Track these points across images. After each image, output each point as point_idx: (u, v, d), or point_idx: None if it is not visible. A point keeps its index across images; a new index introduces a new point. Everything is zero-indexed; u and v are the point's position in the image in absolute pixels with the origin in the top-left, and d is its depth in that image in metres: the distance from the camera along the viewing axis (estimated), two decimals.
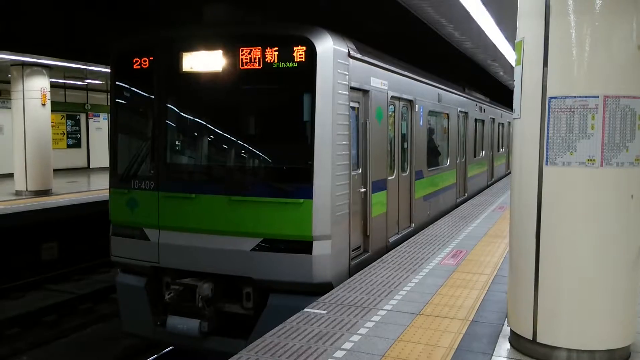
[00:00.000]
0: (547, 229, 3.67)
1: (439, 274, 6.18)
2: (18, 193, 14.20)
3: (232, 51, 6.08)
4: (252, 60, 5.97)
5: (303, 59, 5.79)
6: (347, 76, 6.17)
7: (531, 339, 3.79)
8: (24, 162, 14.12)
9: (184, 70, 6.35)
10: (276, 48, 5.86)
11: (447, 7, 8.43)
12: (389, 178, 7.91)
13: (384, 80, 7.53)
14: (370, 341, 4.20)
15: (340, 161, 6.04)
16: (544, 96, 3.61)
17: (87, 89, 23.11)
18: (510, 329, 4.09)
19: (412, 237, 8.32)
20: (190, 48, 6.29)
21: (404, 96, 8.54)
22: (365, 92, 6.95)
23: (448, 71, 13.91)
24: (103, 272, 12.36)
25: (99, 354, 8.26)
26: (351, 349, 4.04)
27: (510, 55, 13.08)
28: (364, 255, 6.92)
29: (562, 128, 3.57)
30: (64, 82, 21.03)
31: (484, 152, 16.40)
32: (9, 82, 15.21)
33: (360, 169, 6.90)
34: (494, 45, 11.82)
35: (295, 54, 5.81)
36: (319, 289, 5.66)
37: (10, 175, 15.31)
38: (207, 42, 6.23)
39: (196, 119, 6.78)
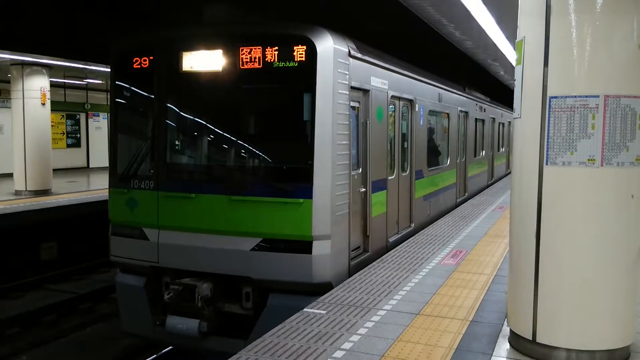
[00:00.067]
0: (547, 228, 3.66)
1: (439, 274, 6.17)
2: (17, 193, 14.20)
3: (232, 51, 6.07)
4: (252, 60, 5.96)
5: (303, 59, 5.78)
6: (347, 76, 6.16)
7: (531, 339, 3.79)
8: (23, 161, 14.12)
9: (184, 69, 6.34)
10: (276, 47, 5.85)
11: (447, 6, 8.43)
12: (389, 178, 7.90)
13: (384, 80, 7.52)
14: (370, 341, 4.19)
15: (340, 161, 6.03)
16: (545, 96, 3.61)
17: (87, 88, 23.12)
18: (510, 329, 4.08)
19: (412, 237, 8.32)
20: (190, 48, 6.29)
21: (404, 96, 8.53)
22: (366, 91, 6.94)
23: (448, 71, 13.91)
24: (102, 272, 12.36)
25: (98, 353, 8.26)
26: (351, 349, 4.03)
27: (510, 54, 13.08)
28: (364, 255, 6.91)
29: (563, 128, 3.57)
30: (64, 82, 21.04)
31: (484, 151, 16.40)
32: (8, 82, 15.21)
33: (360, 169, 6.89)
34: (494, 44, 11.82)
35: (295, 53, 5.80)
36: (319, 289, 5.66)
37: (10, 175, 15.31)
38: (207, 42, 6.23)
39: (196, 119, 6.78)
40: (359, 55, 6.57)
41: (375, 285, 5.67)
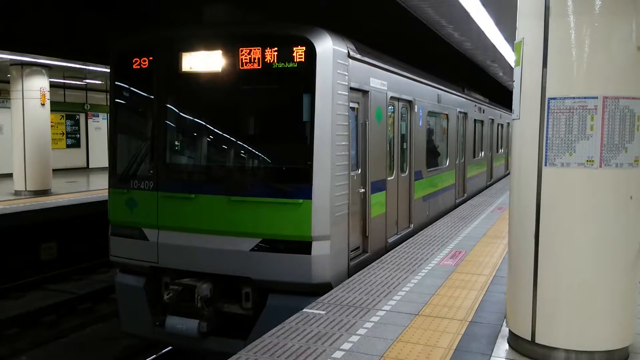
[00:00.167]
0: (546, 229, 3.67)
1: (438, 274, 6.18)
2: (17, 193, 14.20)
3: (231, 51, 6.08)
4: (252, 61, 5.97)
5: (303, 59, 5.79)
6: (346, 76, 6.17)
7: (530, 339, 3.79)
8: (23, 162, 14.11)
9: (183, 70, 6.35)
10: (276, 48, 5.86)
11: (446, 7, 8.44)
12: (388, 178, 7.91)
13: (383, 81, 7.53)
14: (369, 342, 4.20)
15: (340, 161, 6.04)
16: (543, 97, 3.61)
17: (87, 88, 23.11)
18: (509, 330, 4.09)
19: (411, 238, 8.32)
20: (190, 48, 6.29)
21: (404, 97, 8.54)
22: (365, 92, 6.95)
23: (447, 72, 13.91)
24: (102, 272, 12.36)
25: (98, 354, 8.26)
26: (350, 350, 4.04)
27: (509, 56, 13.09)
28: (363, 255, 6.92)
29: (561, 129, 3.57)
30: (64, 82, 21.03)
31: (483, 152, 16.41)
32: (8, 82, 15.21)
33: (360, 170, 6.90)
34: (493, 46, 11.83)
35: (294, 54, 5.81)
36: (318, 290, 5.66)
37: (10, 175, 15.31)
38: (206, 42, 6.23)
39: (196, 119, 6.78)
40: (358, 56, 6.58)
41: (374, 286, 5.68)
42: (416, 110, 9.11)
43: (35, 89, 14.20)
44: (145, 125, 6.93)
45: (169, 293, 6.02)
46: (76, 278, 12.05)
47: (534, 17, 3.64)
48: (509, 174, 5.74)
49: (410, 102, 8.89)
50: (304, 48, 5.79)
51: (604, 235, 3.57)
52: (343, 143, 6.11)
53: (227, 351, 5.02)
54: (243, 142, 6.58)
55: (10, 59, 13.76)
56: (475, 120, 14.75)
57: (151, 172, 6.54)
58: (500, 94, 22.09)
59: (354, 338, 4.26)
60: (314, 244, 5.77)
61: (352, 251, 6.53)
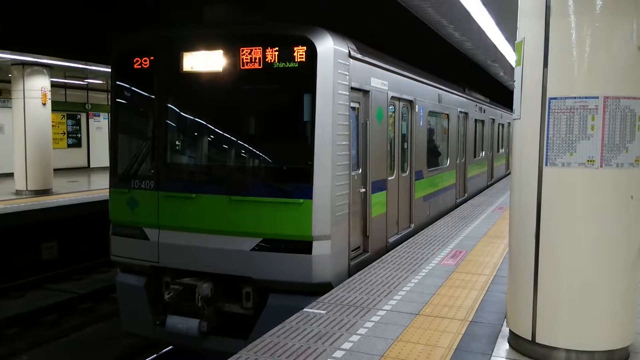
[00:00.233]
0: (546, 229, 3.67)
1: (439, 274, 6.18)
2: (18, 192, 14.21)
3: (232, 51, 6.08)
4: (253, 60, 5.97)
5: (303, 59, 5.79)
6: (347, 76, 6.17)
7: (530, 339, 3.79)
8: (24, 161, 14.12)
9: (184, 70, 6.35)
10: (276, 48, 5.86)
11: (447, 7, 8.43)
12: (389, 178, 7.91)
13: (384, 81, 7.53)
14: (370, 341, 4.20)
15: (340, 161, 6.04)
16: (544, 97, 3.61)
17: (88, 88, 23.13)
18: (510, 330, 4.09)
19: (412, 238, 8.33)
20: (191, 48, 6.30)
21: (404, 96, 8.54)
22: (366, 92, 6.95)
23: (448, 72, 13.91)
24: (103, 272, 12.37)
25: (98, 353, 8.27)
26: (350, 349, 4.04)
27: (510, 55, 13.09)
28: (364, 255, 6.92)
29: (562, 129, 3.58)
30: (65, 82, 21.05)
31: (483, 152, 16.40)
32: (9, 82, 15.22)
33: (360, 169, 6.90)
34: (494, 45, 11.82)
35: (295, 54, 5.81)
36: (319, 289, 5.67)
37: (11, 175, 15.31)
38: (207, 42, 6.23)
39: (196, 119, 6.79)
40: (359, 56, 6.58)
41: (375, 286, 5.68)
42: (417, 110, 9.11)
43: (36, 88, 14.22)
44: (146, 125, 6.93)
45: (170, 292, 6.03)
46: (77, 277, 12.06)
47: (535, 17, 3.64)
48: (509, 173, 5.74)
49: (411, 102, 8.89)
50: (304, 48, 5.79)
51: (605, 235, 3.58)
52: (344, 143, 6.11)
53: (228, 351, 5.02)
54: (244, 142, 6.59)
55: (12, 59, 13.78)
56: (476, 120, 14.75)
57: (152, 171, 6.55)
58: (501, 94, 22.08)
59: (355, 338, 4.27)
60: (315, 244, 5.77)
61: (352, 251, 6.53)
